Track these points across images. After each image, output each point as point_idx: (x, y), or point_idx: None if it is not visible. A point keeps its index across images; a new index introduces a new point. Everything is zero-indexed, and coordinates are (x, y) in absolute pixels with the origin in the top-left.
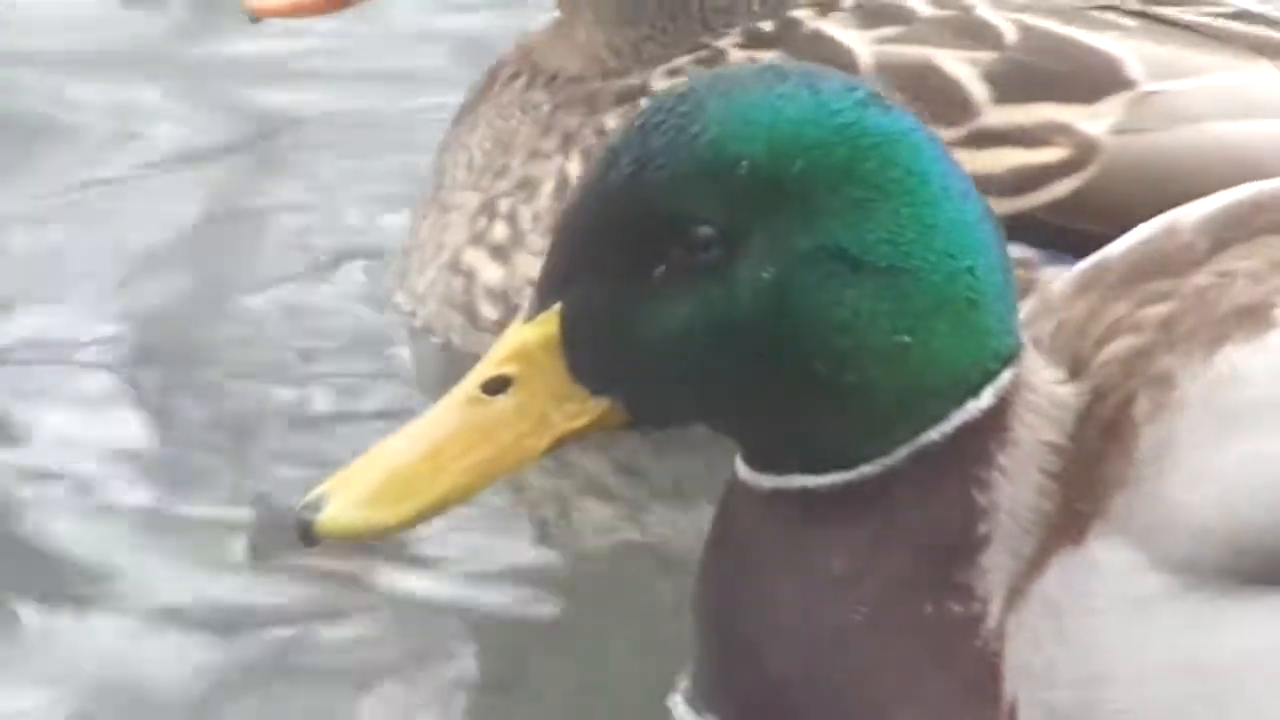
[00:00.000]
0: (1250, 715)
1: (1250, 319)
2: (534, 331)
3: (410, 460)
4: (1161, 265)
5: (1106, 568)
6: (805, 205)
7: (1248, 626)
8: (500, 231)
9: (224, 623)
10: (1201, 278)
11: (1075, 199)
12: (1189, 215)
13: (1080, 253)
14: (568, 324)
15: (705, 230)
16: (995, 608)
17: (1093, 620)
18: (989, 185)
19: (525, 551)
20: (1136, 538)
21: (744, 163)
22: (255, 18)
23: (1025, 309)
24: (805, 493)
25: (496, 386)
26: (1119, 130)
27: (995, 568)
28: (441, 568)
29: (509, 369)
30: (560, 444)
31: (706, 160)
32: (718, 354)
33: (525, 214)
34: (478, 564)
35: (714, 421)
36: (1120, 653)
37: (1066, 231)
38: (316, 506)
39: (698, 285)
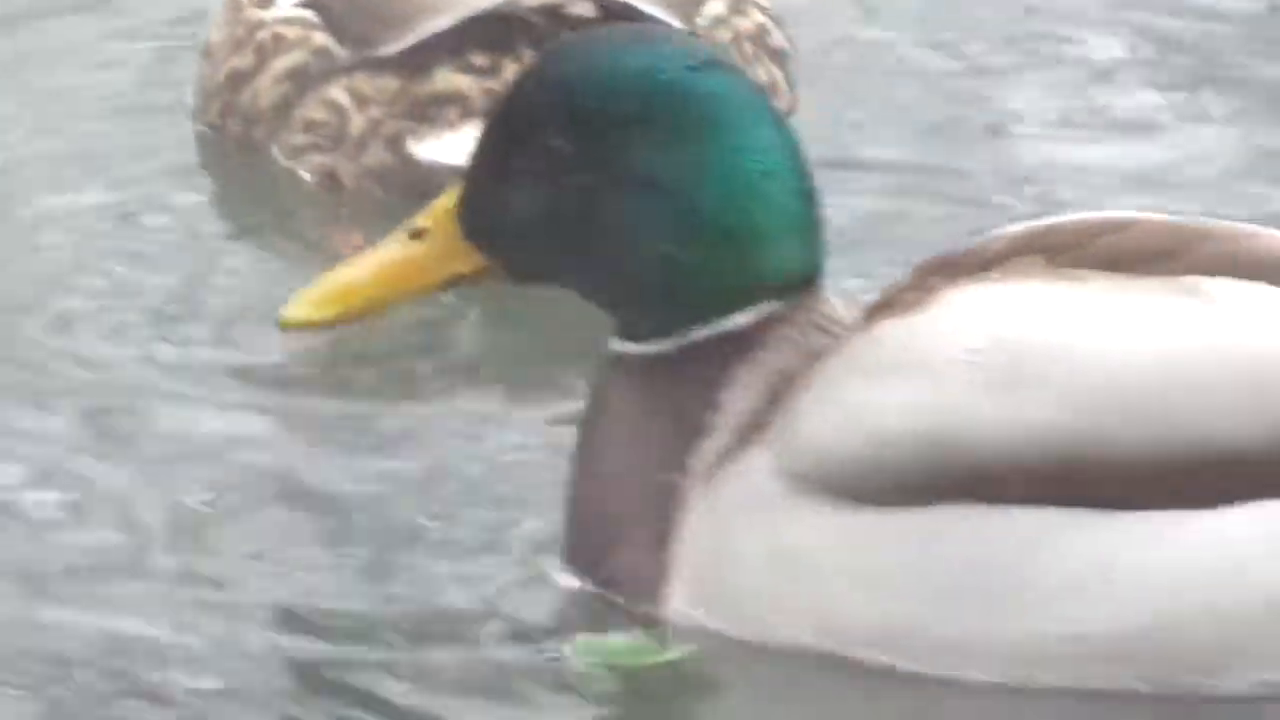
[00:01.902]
0: (818, 597)
1: (914, 302)
2: (445, 199)
3: (353, 278)
4: (956, 263)
5: (754, 471)
6: (634, 136)
7: (834, 529)
8: None
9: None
10: (965, 278)
11: None
12: (1015, 227)
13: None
14: (464, 198)
15: (560, 143)
16: (693, 485)
17: (735, 509)
18: None
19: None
20: (777, 452)
21: (592, 101)
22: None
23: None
24: (629, 359)
25: (417, 234)
26: None
27: (707, 454)
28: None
29: (424, 223)
30: (454, 283)
31: (562, 95)
32: (560, 235)
33: None
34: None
35: (563, 283)
36: (744, 536)
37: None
38: (287, 304)
39: (551, 182)
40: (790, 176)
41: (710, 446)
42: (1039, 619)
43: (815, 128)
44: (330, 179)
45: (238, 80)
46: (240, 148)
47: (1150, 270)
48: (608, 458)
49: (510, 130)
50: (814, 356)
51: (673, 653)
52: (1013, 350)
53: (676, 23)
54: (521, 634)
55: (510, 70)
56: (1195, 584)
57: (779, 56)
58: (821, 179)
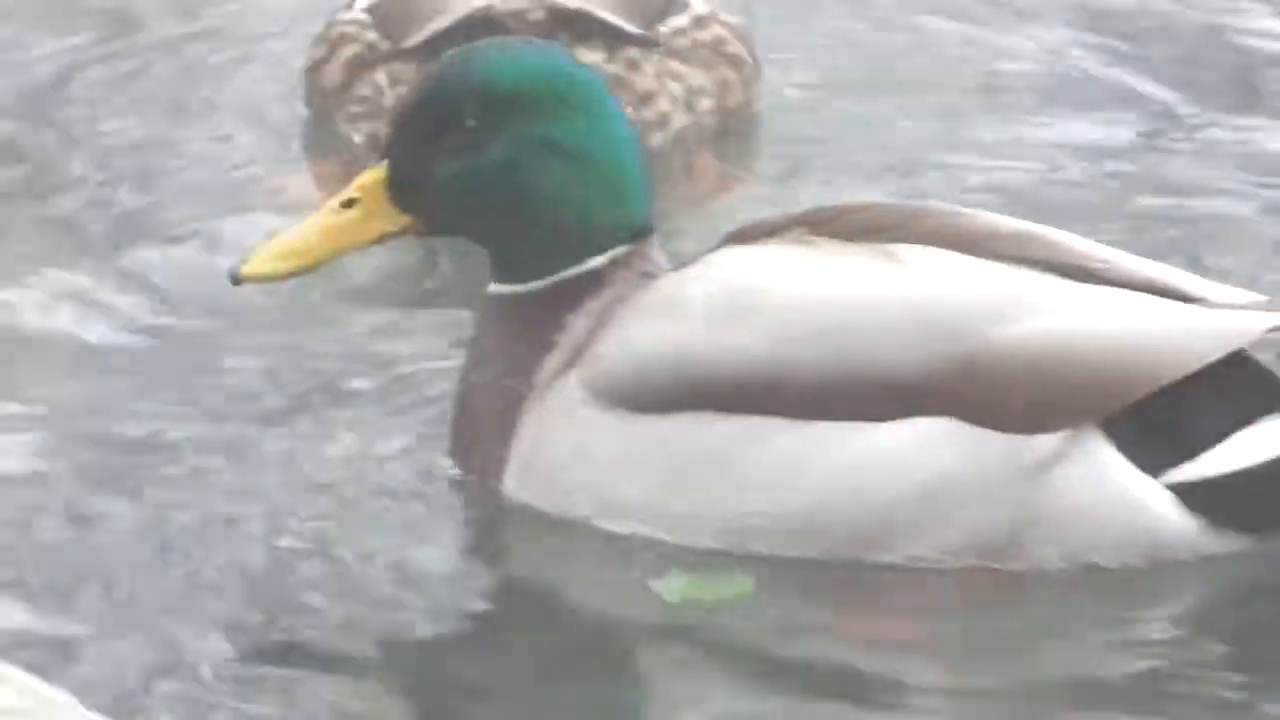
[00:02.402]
0: (597, 481)
1: (698, 261)
2: (373, 173)
3: (298, 239)
4: (747, 232)
5: (568, 383)
6: (532, 113)
7: (610, 429)
8: None
9: None
10: (741, 243)
11: None
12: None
13: None
14: (391, 169)
15: (473, 123)
16: (532, 394)
17: (552, 412)
18: None
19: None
20: (585, 370)
21: (497, 87)
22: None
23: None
24: (502, 297)
25: (348, 204)
26: None
27: (547, 369)
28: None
29: (355, 194)
30: (383, 238)
31: (476, 85)
32: (474, 194)
33: None
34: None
35: (471, 234)
36: (554, 433)
37: None
38: (243, 262)
39: (466, 154)
40: (638, 144)
41: (550, 363)
42: (746, 501)
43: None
44: (373, 140)
45: (316, 66)
46: (318, 117)
47: (876, 239)
48: (480, 372)
49: (430, 117)
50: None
51: (740, 587)
52: (735, 294)
53: (636, 29)
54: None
55: None
56: (863, 479)
57: (734, 61)
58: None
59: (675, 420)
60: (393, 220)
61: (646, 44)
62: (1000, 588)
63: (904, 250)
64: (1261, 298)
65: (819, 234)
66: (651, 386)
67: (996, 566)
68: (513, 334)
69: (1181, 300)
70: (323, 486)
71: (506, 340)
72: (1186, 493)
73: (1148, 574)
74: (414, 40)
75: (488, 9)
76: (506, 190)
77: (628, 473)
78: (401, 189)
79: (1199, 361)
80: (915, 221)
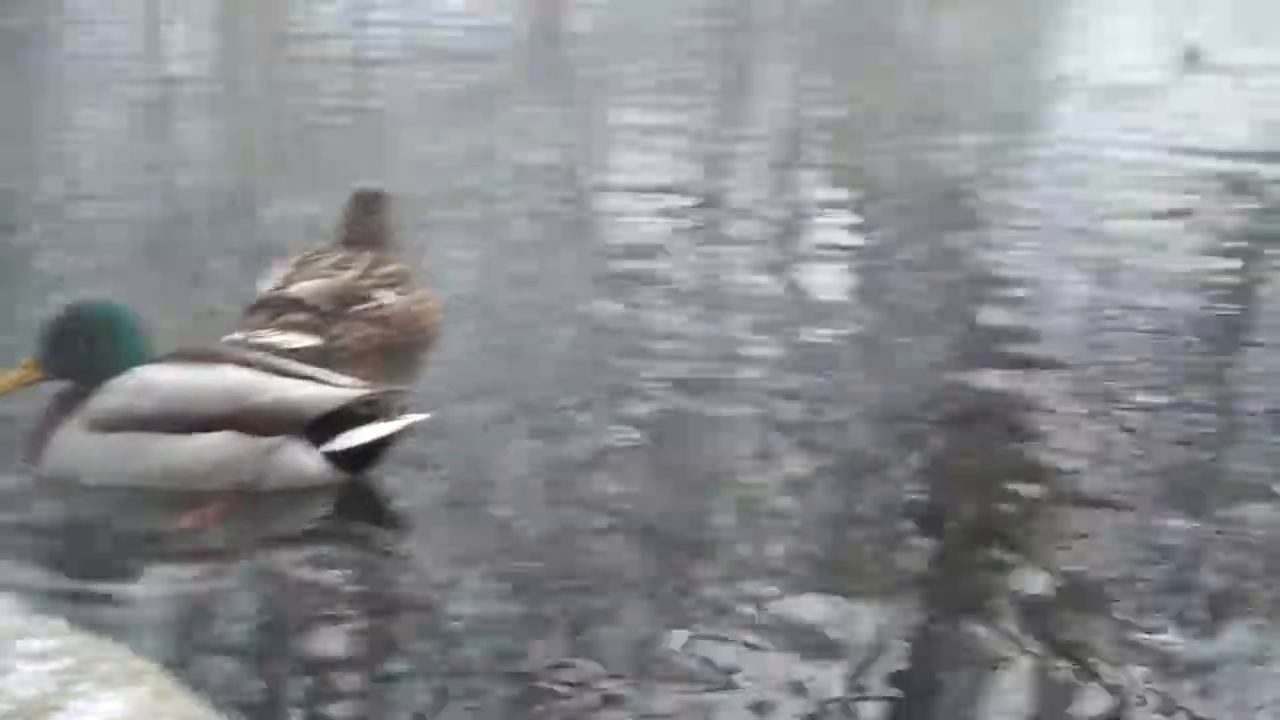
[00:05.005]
0: (87, 468)
1: (133, 374)
2: (32, 358)
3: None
4: (185, 352)
5: (77, 418)
6: (96, 334)
7: (90, 443)
8: None
9: None
10: (170, 361)
11: None
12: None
13: None
14: (42, 357)
15: (73, 334)
16: (69, 418)
17: (67, 429)
18: None
19: None
20: (83, 412)
21: (81, 321)
22: None
23: None
24: (80, 390)
25: (25, 366)
26: None
27: (76, 410)
28: None
29: (26, 362)
30: (26, 385)
31: (72, 318)
32: (69, 364)
33: None
34: None
35: (68, 378)
36: (61, 437)
37: None
38: None
39: (69, 349)
40: (143, 342)
41: (79, 407)
42: (141, 467)
43: None
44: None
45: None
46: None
47: (211, 362)
48: (56, 402)
49: (59, 332)
50: None
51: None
52: (144, 384)
53: (330, 308)
54: None
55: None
56: (193, 457)
57: (385, 323)
58: None
59: (118, 436)
60: (35, 374)
61: (336, 316)
62: (237, 505)
63: (221, 366)
64: (363, 388)
65: (199, 358)
66: (108, 419)
67: (245, 491)
68: (77, 394)
69: (321, 383)
70: None
71: (72, 397)
72: (331, 456)
73: (306, 495)
74: (253, 303)
75: (276, 292)
76: (84, 363)
77: (97, 460)
78: (43, 361)
79: (325, 409)
80: (228, 353)
